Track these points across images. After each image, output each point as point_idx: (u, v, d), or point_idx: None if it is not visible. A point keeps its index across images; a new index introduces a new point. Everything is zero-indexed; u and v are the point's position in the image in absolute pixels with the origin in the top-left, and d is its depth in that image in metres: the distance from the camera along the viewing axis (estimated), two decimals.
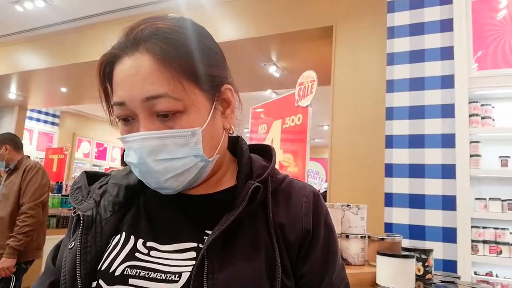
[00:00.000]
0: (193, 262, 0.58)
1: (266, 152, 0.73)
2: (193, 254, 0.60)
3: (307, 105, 1.75)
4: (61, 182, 5.17)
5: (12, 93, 6.64)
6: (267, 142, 2.44)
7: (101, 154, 10.25)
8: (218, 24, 3.84)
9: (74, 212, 0.67)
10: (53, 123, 9.37)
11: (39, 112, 8.98)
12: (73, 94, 6.61)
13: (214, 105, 0.63)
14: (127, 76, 0.59)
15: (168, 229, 0.64)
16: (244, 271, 0.58)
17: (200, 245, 0.60)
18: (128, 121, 0.61)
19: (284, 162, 2.48)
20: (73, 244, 0.64)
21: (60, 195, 4.78)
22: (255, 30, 3.72)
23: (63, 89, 6.32)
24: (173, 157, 0.59)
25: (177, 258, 0.60)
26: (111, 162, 10.15)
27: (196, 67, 0.60)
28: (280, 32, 3.56)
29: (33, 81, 6.11)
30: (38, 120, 8.98)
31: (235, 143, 0.73)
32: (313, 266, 0.63)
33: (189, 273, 0.58)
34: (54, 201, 4.59)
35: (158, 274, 0.58)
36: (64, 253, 0.65)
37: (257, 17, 3.72)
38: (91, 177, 0.74)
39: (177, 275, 0.58)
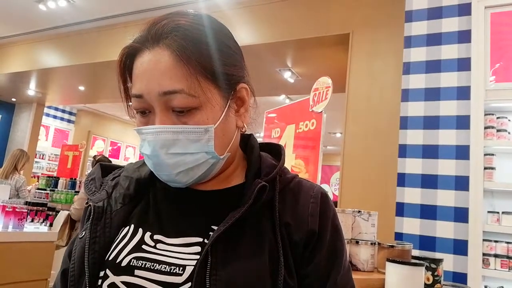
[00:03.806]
0: (198, 257, 0.59)
1: (275, 150, 0.74)
2: (198, 248, 0.61)
3: (321, 111, 1.76)
4: (75, 179, 5.25)
5: (31, 90, 6.79)
6: None
7: (115, 152, 10.39)
8: (235, 28, 3.85)
9: (87, 203, 0.69)
10: (69, 121, 9.53)
11: (56, 109, 9.15)
12: (90, 92, 6.73)
13: (228, 103, 0.64)
14: (146, 69, 0.60)
15: (176, 223, 0.65)
16: (247, 269, 0.58)
17: (206, 241, 0.61)
18: (145, 113, 0.63)
19: (295, 167, 2.49)
20: (83, 234, 0.66)
21: (73, 191, 4.85)
22: (271, 35, 3.75)
23: (81, 88, 6.43)
24: (185, 152, 0.61)
25: (183, 252, 0.61)
26: (124, 161, 10.27)
27: (213, 65, 0.61)
28: (297, 38, 3.58)
29: (52, 79, 6.23)
30: (55, 117, 9.15)
31: (246, 141, 0.74)
32: (318, 266, 0.63)
33: (193, 267, 0.58)
34: (67, 197, 4.67)
35: (163, 266, 0.59)
36: (75, 242, 0.67)
37: (274, 23, 3.75)
38: (106, 169, 0.76)
39: (181, 268, 0.59)
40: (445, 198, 2.34)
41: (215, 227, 0.62)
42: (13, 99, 7.78)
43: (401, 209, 2.45)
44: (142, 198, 0.70)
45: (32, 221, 3.86)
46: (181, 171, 0.62)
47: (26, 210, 3.04)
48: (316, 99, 1.88)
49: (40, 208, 4.12)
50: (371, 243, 1.22)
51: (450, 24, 2.56)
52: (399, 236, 2.43)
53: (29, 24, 5.07)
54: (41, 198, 4.87)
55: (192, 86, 0.59)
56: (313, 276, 0.63)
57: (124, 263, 0.61)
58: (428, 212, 2.37)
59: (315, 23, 3.47)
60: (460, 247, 2.24)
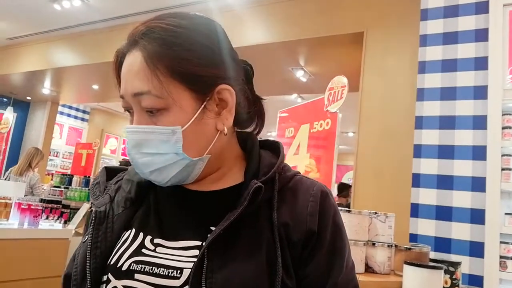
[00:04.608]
0: (195, 260, 0.59)
1: (275, 148, 0.73)
2: (196, 251, 0.61)
3: (337, 111, 1.74)
4: (89, 177, 5.30)
5: (46, 88, 6.86)
6: (293, 146, 2.44)
7: None
8: (247, 27, 3.87)
9: (90, 208, 0.70)
10: (83, 119, 9.63)
11: (70, 107, 9.25)
12: (103, 91, 6.78)
13: (204, 105, 0.63)
14: (125, 71, 0.63)
15: (175, 226, 0.66)
16: (243, 271, 0.58)
17: (203, 243, 0.61)
18: (130, 112, 0.66)
19: (308, 167, 2.47)
20: (86, 238, 0.67)
21: (87, 189, 4.90)
22: (284, 34, 3.73)
23: (95, 86, 6.49)
24: (156, 152, 0.62)
25: (181, 255, 0.61)
26: None
27: (182, 67, 0.61)
28: (310, 37, 3.56)
29: (66, 77, 6.30)
30: (68, 115, 9.25)
31: (245, 140, 0.73)
32: (318, 266, 0.62)
33: (190, 270, 0.59)
34: (81, 195, 4.72)
35: (162, 269, 0.60)
36: (78, 246, 0.69)
37: (287, 21, 3.73)
38: (112, 172, 0.77)
39: (178, 272, 0.59)
40: (461, 199, 2.30)
41: (213, 229, 0.61)
42: (28, 98, 7.89)
43: (416, 210, 2.42)
44: (143, 201, 0.71)
45: (47, 218, 3.91)
46: (153, 170, 0.63)
47: (41, 208, 3.08)
48: (331, 99, 1.86)
49: (55, 206, 4.18)
50: (388, 245, 1.20)
51: (467, 23, 2.51)
52: (413, 237, 2.40)
53: (44, 24, 5.13)
54: (55, 195, 4.93)
55: (158, 88, 0.60)
56: (312, 276, 0.62)
57: (124, 267, 0.62)
58: (444, 213, 2.33)
59: (328, 21, 3.44)
60: (476, 249, 2.20)
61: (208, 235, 0.61)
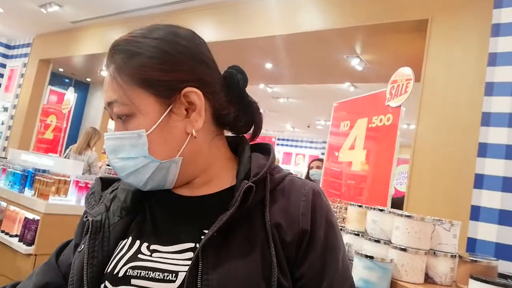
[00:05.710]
0: (190, 262, 0.60)
1: (266, 150, 0.74)
2: (190, 254, 0.62)
3: (400, 105, 1.63)
4: None
5: (104, 71, 7.16)
6: (349, 140, 2.34)
7: None
8: (302, 13, 3.76)
9: (86, 217, 0.71)
10: None
11: None
12: None
13: (170, 109, 0.65)
14: (104, 84, 0.70)
15: (170, 231, 0.67)
16: (238, 271, 0.59)
17: (197, 245, 0.62)
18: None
19: (363, 164, 2.36)
20: (82, 247, 0.69)
21: None
22: (340, 21, 3.58)
23: None
24: (128, 156, 0.65)
25: (176, 258, 0.62)
26: None
27: (142, 73, 0.64)
28: (368, 24, 3.39)
29: None
30: None
31: (237, 144, 0.75)
32: (312, 265, 0.63)
33: (185, 273, 0.60)
34: None
35: (157, 273, 0.61)
36: (74, 255, 0.71)
37: (344, 7, 3.58)
38: (107, 181, 0.80)
39: (174, 275, 0.60)
40: None
41: (207, 232, 0.62)
42: (88, 79, 8.27)
43: (476, 213, 2.26)
44: (139, 209, 0.72)
45: None
46: (128, 174, 0.66)
47: None
48: (394, 92, 1.75)
49: None
50: (451, 256, 1.11)
51: None
52: (471, 242, 2.25)
53: (104, 8, 5.29)
54: (110, 174, 5.16)
55: (123, 95, 0.65)
56: (308, 276, 0.62)
57: (121, 274, 0.63)
58: (509, 218, 2.16)
59: (389, 7, 3.25)
60: None
61: (202, 237, 0.62)
